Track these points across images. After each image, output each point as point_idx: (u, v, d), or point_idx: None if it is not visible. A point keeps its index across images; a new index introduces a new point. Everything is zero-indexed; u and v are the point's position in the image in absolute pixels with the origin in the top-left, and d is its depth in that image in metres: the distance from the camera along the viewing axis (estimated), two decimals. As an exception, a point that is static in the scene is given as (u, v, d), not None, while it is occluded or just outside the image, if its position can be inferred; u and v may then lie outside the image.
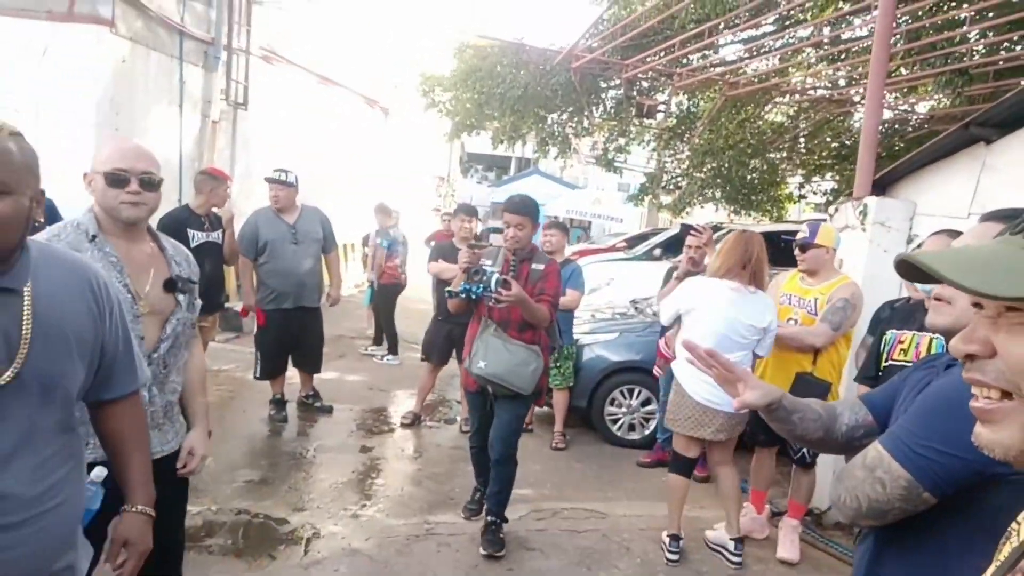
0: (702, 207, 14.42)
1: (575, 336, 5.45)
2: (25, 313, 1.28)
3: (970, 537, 1.16)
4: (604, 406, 5.39)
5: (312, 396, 5.46)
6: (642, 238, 11.72)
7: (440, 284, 5.06)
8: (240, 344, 7.20)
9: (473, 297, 3.17)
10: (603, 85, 11.86)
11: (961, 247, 1.18)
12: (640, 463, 4.93)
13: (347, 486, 4.14)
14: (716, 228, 4.42)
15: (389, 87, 13.60)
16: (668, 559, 3.49)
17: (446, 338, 5.20)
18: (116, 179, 1.86)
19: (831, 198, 11.97)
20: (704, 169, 12.39)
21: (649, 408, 5.33)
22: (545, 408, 5.54)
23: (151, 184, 1.91)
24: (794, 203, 15.20)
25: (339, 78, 11.21)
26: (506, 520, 3.57)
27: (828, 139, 12.30)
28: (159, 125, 7.33)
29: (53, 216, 5.17)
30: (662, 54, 9.03)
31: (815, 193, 13.83)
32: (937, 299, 1.35)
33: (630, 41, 9.07)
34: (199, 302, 2.16)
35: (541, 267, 3.36)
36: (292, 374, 5.35)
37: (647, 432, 5.32)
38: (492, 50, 11.76)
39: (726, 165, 11.86)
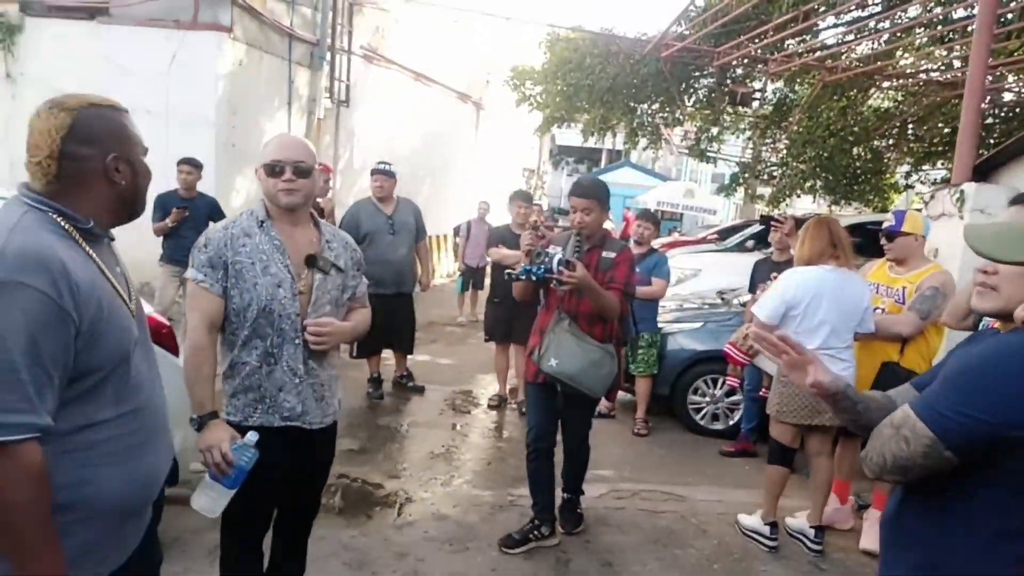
0: (799, 197, 13.90)
1: (659, 324, 5.51)
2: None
3: (999, 499, 1.22)
4: (687, 395, 5.42)
5: (406, 376, 5.80)
6: (734, 230, 11.47)
7: (499, 268, 5.27)
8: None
9: (534, 279, 2.95)
10: (695, 74, 11.67)
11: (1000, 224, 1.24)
12: (724, 452, 4.95)
13: (437, 458, 4.42)
14: (798, 221, 4.33)
15: (482, 82, 13.93)
16: (768, 546, 3.52)
17: (503, 319, 5.40)
18: (273, 169, 2.08)
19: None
20: (803, 158, 11.95)
21: (734, 399, 5.32)
22: (628, 395, 5.64)
23: (303, 172, 2.10)
24: (900, 193, 14.38)
25: (434, 75, 11.62)
26: (583, 493, 3.65)
27: (940, 125, 11.56)
28: (270, 123, 7.91)
29: (215, 210, 5.78)
30: (756, 40, 8.81)
31: (923, 183, 13.04)
32: (981, 285, 1.38)
33: (722, 28, 8.90)
34: (360, 285, 2.33)
35: (612, 255, 3.17)
36: (388, 356, 5.71)
37: (731, 422, 5.32)
38: (582, 42, 11.81)
39: (826, 154, 11.38)
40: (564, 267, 2.85)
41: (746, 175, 13.86)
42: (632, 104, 12.28)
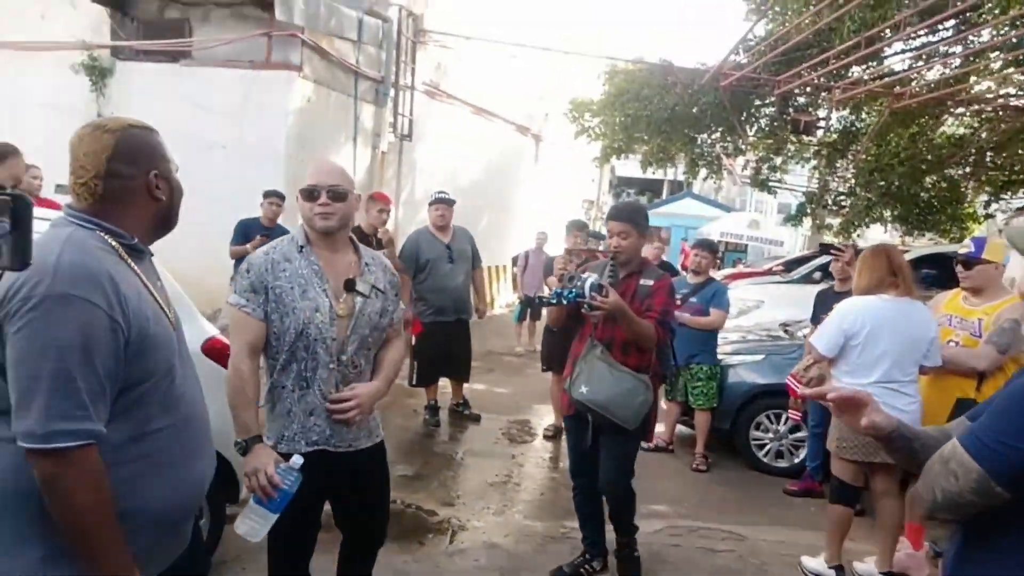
0: (868, 227, 13.44)
1: (719, 356, 5.39)
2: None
3: None
4: (749, 430, 5.26)
5: (462, 404, 5.83)
6: (801, 261, 11.19)
7: None
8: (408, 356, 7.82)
9: (565, 302, 2.85)
10: (756, 103, 11.52)
11: None
12: (787, 491, 4.76)
13: (491, 487, 4.41)
14: (859, 250, 4.17)
15: (541, 115, 14.13)
16: None
17: (560, 348, 5.35)
18: (309, 193, 2.12)
19: (1026, 217, 10.69)
20: (872, 187, 11.57)
21: (799, 435, 5.12)
22: (687, 429, 5.51)
23: (339, 196, 2.12)
24: (980, 223, 13.72)
25: (494, 108, 11.86)
26: (634, 533, 3.43)
27: (1021, 152, 11.03)
28: (336, 157, 8.21)
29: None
30: (818, 67, 8.66)
31: (1004, 212, 12.41)
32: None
33: (782, 56, 8.79)
34: (398, 310, 2.35)
35: (650, 282, 3.04)
36: (445, 384, 5.76)
37: (796, 460, 5.12)
38: (640, 73, 11.86)
39: (896, 182, 11.00)
40: (596, 292, 2.76)
41: (812, 205, 13.51)
42: (692, 134, 12.21)
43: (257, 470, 1.97)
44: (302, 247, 2.14)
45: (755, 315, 7.92)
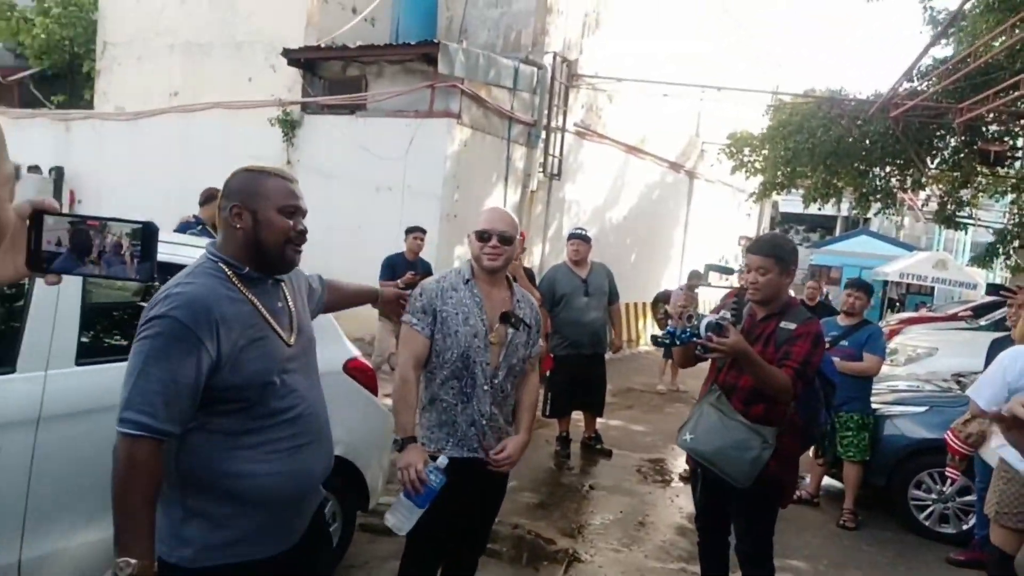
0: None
1: (874, 406, 4.98)
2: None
3: None
4: (908, 488, 4.78)
5: (594, 439, 5.86)
6: (993, 306, 9.96)
7: None
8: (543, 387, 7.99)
9: (678, 343, 2.62)
10: (936, 132, 10.52)
11: None
12: (951, 560, 4.26)
13: (614, 524, 4.39)
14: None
15: (696, 151, 13.92)
16: None
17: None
18: (482, 235, 2.40)
19: None
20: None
21: (968, 499, 4.57)
22: (836, 483, 5.11)
23: (506, 240, 2.40)
24: None
25: (646, 145, 11.90)
26: None
27: None
28: (488, 196, 8.70)
29: (429, 273, 6.55)
30: (1009, 92, 7.78)
31: None
32: None
33: (965, 81, 8.00)
34: (539, 344, 2.57)
35: (792, 326, 2.70)
36: (579, 418, 5.83)
37: (964, 527, 4.56)
38: (804, 105, 11.32)
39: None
40: (714, 332, 2.51)
41: (1008, 243, 11.96)
42: (862, 167, 11.37)
43: (409, 465, 2.22)
44: (467, 280, 2.43)
45: (927, 363, 7.18)
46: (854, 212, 13.83)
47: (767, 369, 2.57)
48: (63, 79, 12.19)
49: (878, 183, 11.73)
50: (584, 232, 5.69)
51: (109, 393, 2.40)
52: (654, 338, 2.82)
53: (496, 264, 2.40)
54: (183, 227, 5.19)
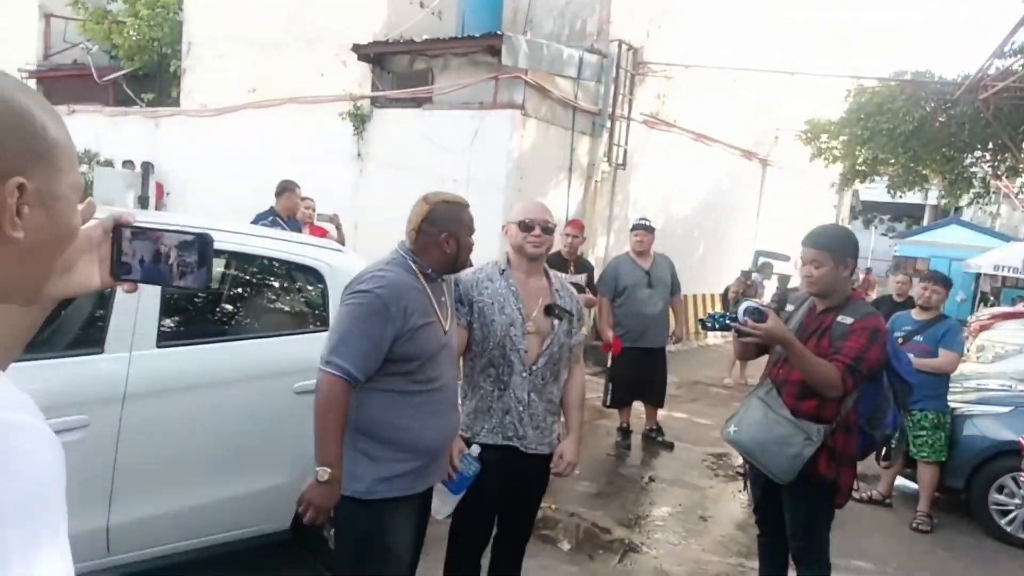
0: None
1: (951, 405, 4.75)
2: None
3: None
4: (989, 492, 4.55)
5: (655, 431, 5.82)
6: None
7: None
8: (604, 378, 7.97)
9: (717, 327, 2.67)
10: (1035, 114, 9.81)
11: None
12: (1035, 568, 4.04)
13: (671, 516, 4.37)
14: None
15: (770, 138, 13.46)
16: None
17: None
18: (525, 226, 2.50)
19: None
20: None
21: (1057, 505, 4.32)
22: (908, 482, 4.92)
23: (548, 230, 2.53)
24: None
25: (717, 134, 11.60)
26: None
27: None
28: (552, 186, 8.70)
29: None
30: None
31: None
32: None
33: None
34: (581, 332, 2.63)
35: (849, 321, 2.61)
36: (641, 409, 5.80)
37: (1053, 534, 4.31)
38: (886, 88, 10.76)
39: None
40: (752, 316, 2.51)
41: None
42: (950, 153, 10.73)
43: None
44: (503, 270, 2.52)
45: (1016, 361, 6.75)
46: (943, 201, 13.06)
47: (812, 360, 2.52)
48: (153, 78, 12.88)
49: (968, 170, 11.03)
50: (648, 222, 5.63)
51: (185, 374, 2.61)
52: (700, 321, 2.84)
53: (539, 252, 2.52)
54: (258, 218, 5.46)
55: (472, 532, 2.53)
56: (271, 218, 5.41)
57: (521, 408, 2.43)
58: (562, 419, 2.64)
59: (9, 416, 0.61)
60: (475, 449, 2.36)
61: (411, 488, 2.17)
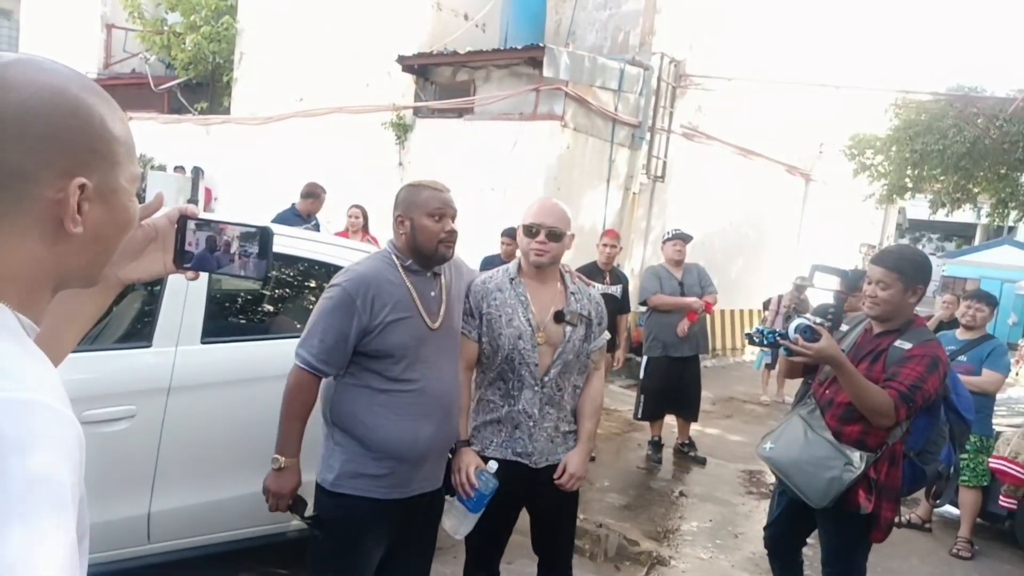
0: None
1: (996, 428, 4.61)
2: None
3: None
4: (1034, 520, 4.40)
5: (688, 445, 5.77)
6: None
7: None
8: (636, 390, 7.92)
9: (766, 343, 2.58)
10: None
11: None
12: (1081, 602, 3.89)
13: (701, 531, 4.33)
14: None
15: (813, 153, 13.24)
16: None
17: None
18: (530, 230, 2.31)
19: None
20: None
21: (1106, 536, 4.15)
22: (950, 508, 4.78)
23: (555, 236, 2.29)
24: None
25: (758, 147, 11.47)
26: None
27: None
28: (589, 198, 8.72)
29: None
30: None
31: None
32: None
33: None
34: (602, 337, 2.45)
35: (907, 346, 2.46)
36: (673, 423, 5.76)
37: (1102, 567, 4.15)
38: (935, 104, 10.51)
39: None
40: (803, 335, 2.39)
41: None
42: (1003, 171, 10.42)
43: (460, 468, 2.24)
44: (513, 278, 2.36)
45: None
46: (989, 219, 12.67)
47: (865, 386, 2.39)
48: (206, 87, 13.35)
49: (1021, 188, 10.70)
50: (683, 232, 5.63)
51: (228, 370, 2.71)
52: (747, 335, 2.74)
53: (543, 260, 2.31)
54: (278, 217, 5.88)
55: (485, 543, 2.43)
56: (293, 215, 5.97)
57: (532, 424, 2.31)
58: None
59: (31, 396, 0.61)
60: (492, 465, 2.23)
61: (383, 492, 2.07)
